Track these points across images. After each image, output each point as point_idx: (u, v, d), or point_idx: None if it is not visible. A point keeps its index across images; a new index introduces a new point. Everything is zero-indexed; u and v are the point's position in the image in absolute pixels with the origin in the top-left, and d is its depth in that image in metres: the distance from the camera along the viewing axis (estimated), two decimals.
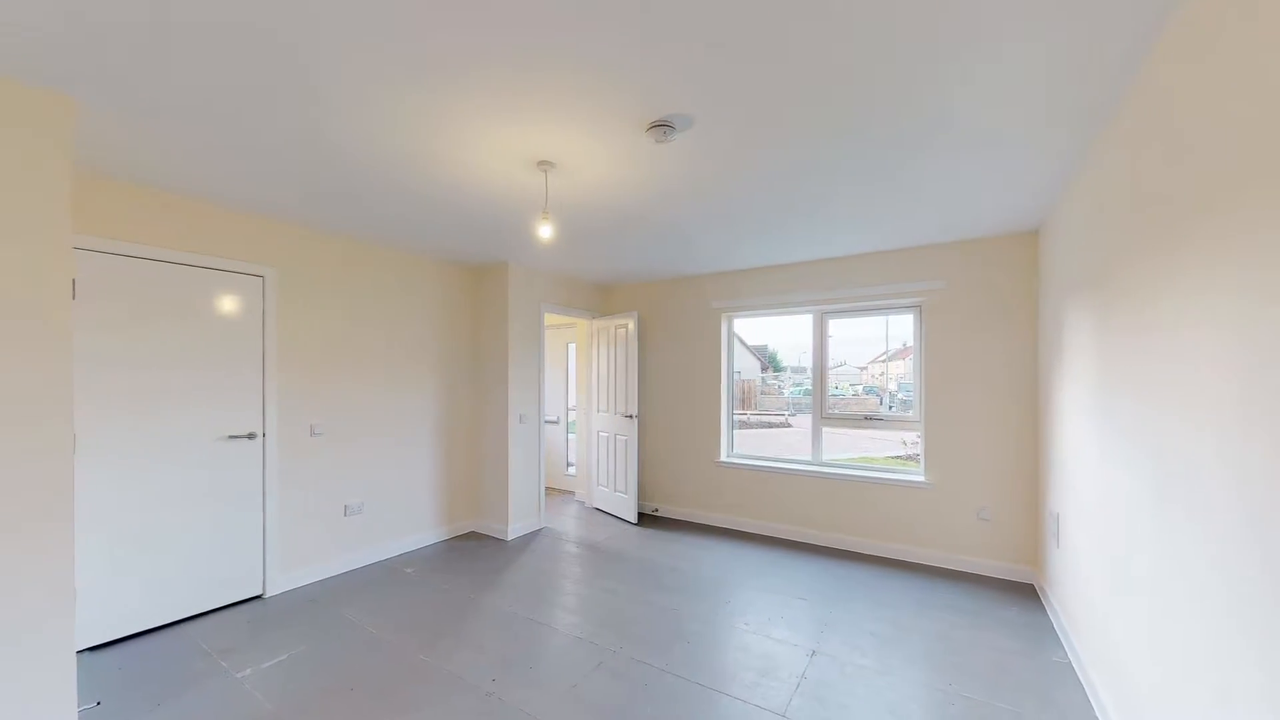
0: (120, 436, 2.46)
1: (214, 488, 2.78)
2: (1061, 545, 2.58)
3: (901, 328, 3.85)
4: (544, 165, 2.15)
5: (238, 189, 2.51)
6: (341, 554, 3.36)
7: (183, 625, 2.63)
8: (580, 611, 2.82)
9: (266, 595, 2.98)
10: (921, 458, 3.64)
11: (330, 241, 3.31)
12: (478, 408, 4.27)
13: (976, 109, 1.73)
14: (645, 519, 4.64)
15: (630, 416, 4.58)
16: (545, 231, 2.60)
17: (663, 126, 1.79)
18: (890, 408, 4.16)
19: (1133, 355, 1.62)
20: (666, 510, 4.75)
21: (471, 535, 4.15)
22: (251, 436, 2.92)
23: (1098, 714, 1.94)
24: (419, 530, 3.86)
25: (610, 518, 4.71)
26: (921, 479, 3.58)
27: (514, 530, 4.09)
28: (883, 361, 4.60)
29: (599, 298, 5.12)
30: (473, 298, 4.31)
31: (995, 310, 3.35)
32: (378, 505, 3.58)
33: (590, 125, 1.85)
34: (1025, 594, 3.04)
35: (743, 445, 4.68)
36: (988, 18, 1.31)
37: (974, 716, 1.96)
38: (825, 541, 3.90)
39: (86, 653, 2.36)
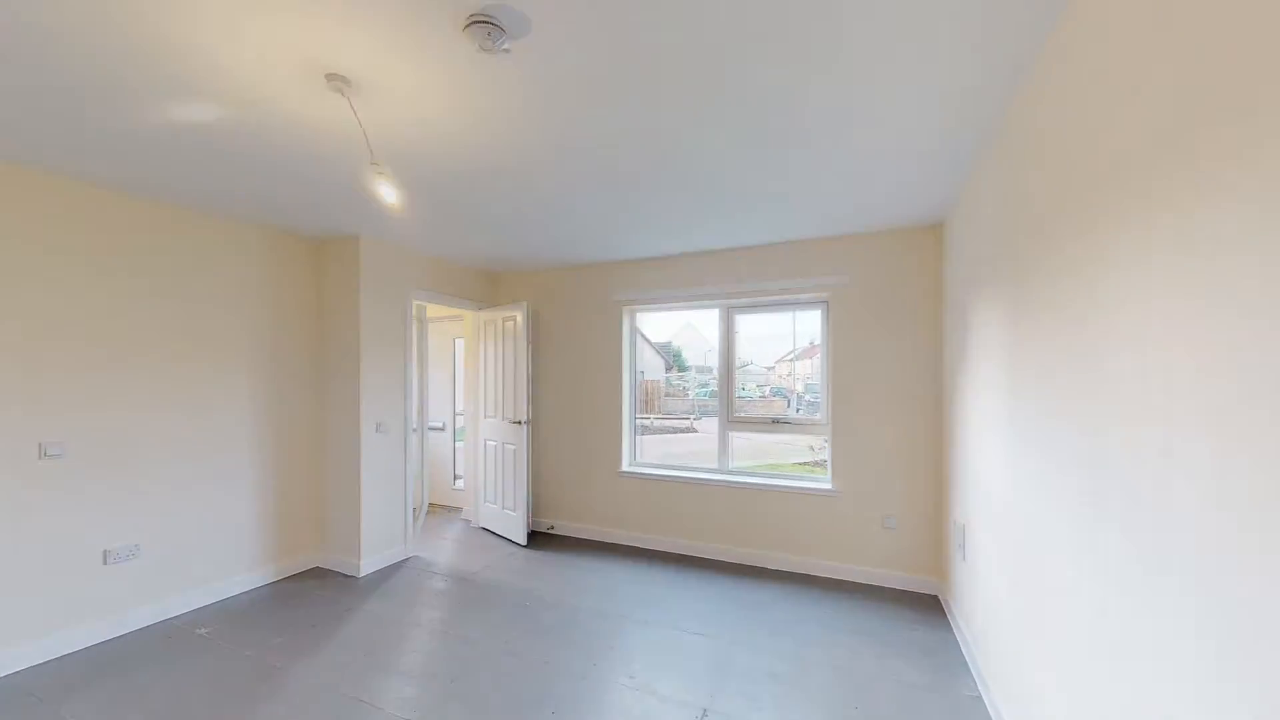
0: None
1: None
2: (968, 558, 2.39)
3: (809, 324, 3.63)
4: (336, 82, 1.53)
5: None
6: (97, 618, 2.47)
7: None
8: (422, 676, 2.21)
9: None
10: (828, 463, 3.41)
11: (59, 185, 2.42)
12: (322, 415, 3.48)
13: (880, 88, 1.39)
14: (538, 538, 4.07)
15: (520, 423, 3.99)
16: (388, 193, 2.00)
17: (485, 24, 1.27)
18: (798, 410, 3.92)
19: (1054, 362, 1.34)
20: (562, 527, 4.22)
21: (314, 572, 3.36)
22: None
23: None
24: (234, 572, 3.02)
25: (497, 539, 4.09)
26: (828, 486, 3.35)
27: (368, 564, 3.36)
28: (790, 361, 4.38)
29: (486, 287, 4.47)
30: (315, 279, 3.50)
31: (900, 307, 3.17)
32: (162, 546, 2.71)
33: (387, 19, 1.29)
34: (930, 607, 2.86)
35: (646, 452, 4.26)
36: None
37: None
38: (732, 557, 3.57)
39: None
